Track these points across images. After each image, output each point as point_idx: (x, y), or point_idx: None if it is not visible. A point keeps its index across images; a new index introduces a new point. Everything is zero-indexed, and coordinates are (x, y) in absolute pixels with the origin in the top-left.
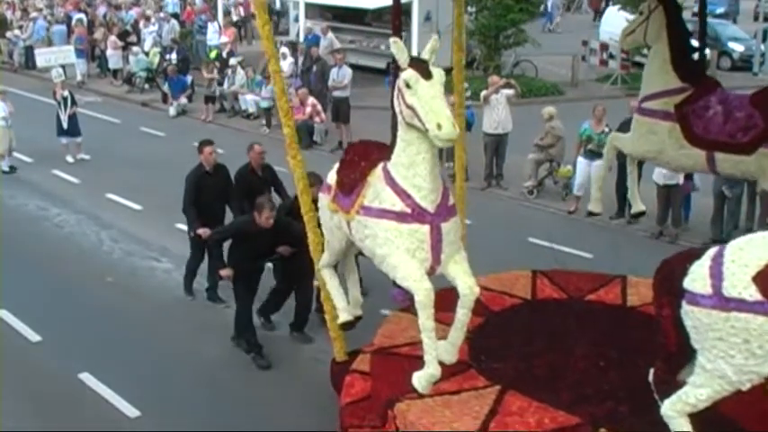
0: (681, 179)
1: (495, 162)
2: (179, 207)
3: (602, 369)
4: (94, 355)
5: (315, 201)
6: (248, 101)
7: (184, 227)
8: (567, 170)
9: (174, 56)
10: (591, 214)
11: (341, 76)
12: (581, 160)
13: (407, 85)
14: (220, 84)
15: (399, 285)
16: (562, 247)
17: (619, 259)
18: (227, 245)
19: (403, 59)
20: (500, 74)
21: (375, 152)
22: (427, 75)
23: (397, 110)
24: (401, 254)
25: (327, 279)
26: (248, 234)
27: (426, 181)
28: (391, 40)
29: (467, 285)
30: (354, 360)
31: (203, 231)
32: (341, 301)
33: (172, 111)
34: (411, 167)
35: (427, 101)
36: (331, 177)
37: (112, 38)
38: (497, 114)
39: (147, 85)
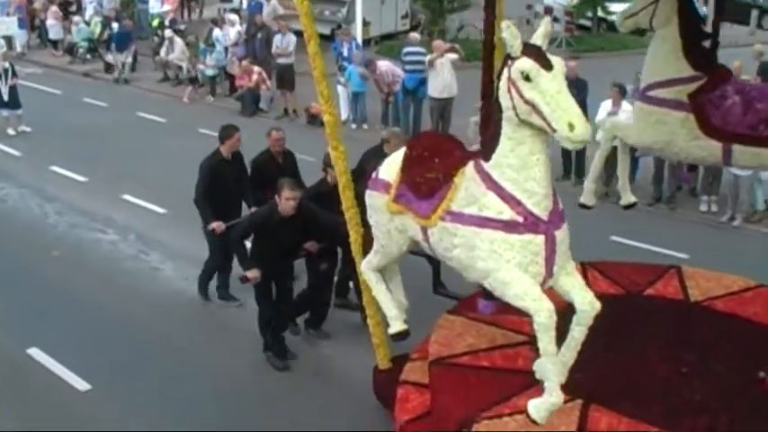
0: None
1: (442, 126)
2: (124, 178)
3: (686, 376)
4: (42, 330)
5: (335, 187)
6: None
7: (131, 198)
8: None
9: (115, 25)
10: (583, 207)
11: (285, 42)
12: None
13: (527, 78)
14: (157, 53)
15: (490, 296)
16: None
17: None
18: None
19: (516, 46)
20: (444, 38)
21: (445, 145)
22: (548, 65)
23: (504, 105)
24: (512, 269)
25: (374, 284)
26: (270, 226)
27: (541, 185)
28: (503, 23)
29: (586, 300)
30: (401, 368)
31: (217, 225)
32: (392, 309)
33: (116, 73)
34: (523, 170)
35: (553, 96)
36: (387, 173)
37: (53, 8)
38: (443, 79)
39: (88, 56)
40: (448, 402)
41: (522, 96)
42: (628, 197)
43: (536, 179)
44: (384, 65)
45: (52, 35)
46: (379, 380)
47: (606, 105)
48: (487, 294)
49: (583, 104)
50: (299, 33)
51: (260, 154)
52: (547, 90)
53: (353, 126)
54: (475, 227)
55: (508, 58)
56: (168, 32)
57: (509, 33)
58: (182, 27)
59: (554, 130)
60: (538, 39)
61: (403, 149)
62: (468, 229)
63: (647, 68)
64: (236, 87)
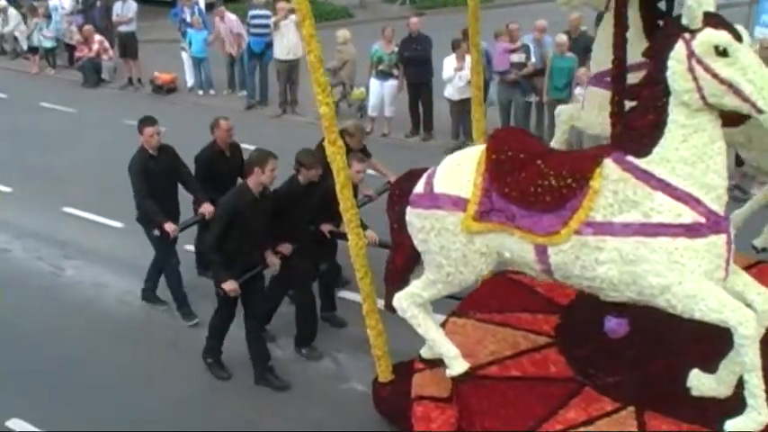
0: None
1: (289, 88)
2: None
3: None
4: None
5: (310, 184)
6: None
7: None
8: (361, 92)
9: None
10: None
11: (125, 10)
12: (373, 81)
13: (723, 53)
14: None
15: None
16: None
17: None
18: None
19: (699, 16)
20: None
21: (534, 143)
22: (738, 36)
23: (680, 87)
24: (699, 279)
25: (422, 320)
26: (241, 211)
27: (723, 177)
28: None
29: (766, 299)
30: (406, 380)
31: (173, 229)
32: (450, 348)
33: None
34: (700, 162)
35: (756, 72)
36: (450, 185)
37: None
38: (288, 40)
39: None
40: (491, 423)
41: (715, 75)
42: None
43: (717, 171)
44: (234, 18)
45: None
46: (382, 394)
47: (450, 61)
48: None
49: (427, 61)
50: (139, 0)
51: (204, 149)
52: (749, 65)
53: (200, 92)
54: (640, 236)
55: (680, 30)
56: (2, 3)
57: (695, 1)
58: None
59: (760, 111)
60: (711, 4)
61: (471, 153)
62: (627, 240)
63: (601, 53)
64: (77, 58)
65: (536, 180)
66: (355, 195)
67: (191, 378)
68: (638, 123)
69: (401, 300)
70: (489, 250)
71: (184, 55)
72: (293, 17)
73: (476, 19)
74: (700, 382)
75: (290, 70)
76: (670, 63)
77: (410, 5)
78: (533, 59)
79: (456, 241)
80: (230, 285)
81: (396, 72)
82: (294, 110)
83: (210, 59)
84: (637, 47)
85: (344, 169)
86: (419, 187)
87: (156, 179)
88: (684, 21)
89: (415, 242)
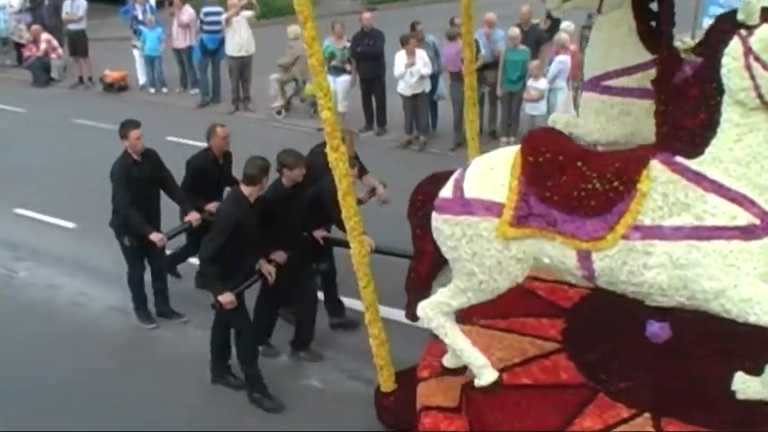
0: (426, 88)
1: (242, 85)
2: None
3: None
4: None
5: (295, 186)
6: None
7: None
8: (313, 88)
9: None
10: None
11: (75, 8)
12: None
13: None
14: None
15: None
16: None
17: (370, 169)
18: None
19: (758, 11)
20: None
21: (569, 144)
22: None
23: (735, 85)
24: (754, 282)
25: (450, 330)
26: (240, 220)
27: None
28: None
29: None
30: (409, 389)
31: (156, 237)
32: (479, 357)
33: None
34: (754, 162)
35: None
36: (482, 189)
37: None
38: (240, 37)
39: None
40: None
41: None
42: None
43: None
44: (191, 11)
45: None
46: (386, 404)
47: (400, 57)
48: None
49: (379, 56)
50: None
51: (198, 154)
52: None
53: (152, 90)
54: (693, 240)
55: (735, 26)
56: None
57: None
58: None
59: None
60: None
61: (504, 155)
62: (678, 244)
63: (596, 57)
64: (26, 57)
65: (579, 183)
66: None
67: (147, 378)
68: (688, 123)
69: (426, 309)
70: (526, 256)
71: (136, 53)
72: (245, 13)
73: (469, 17)
74: (745, 385)
75: (243, 67)
76: (725, 60)
77: (361, 1)
78: (482, 52)
79: (490, 248)
80: (227, 297)
81: (348, 67)
82: (247, 107)
83: (163, 57)
84: (632, 49)
85: (347, 176)
86: (447, 192)
87: (139, 185)
88: (740, 16)
89: (443, 249)
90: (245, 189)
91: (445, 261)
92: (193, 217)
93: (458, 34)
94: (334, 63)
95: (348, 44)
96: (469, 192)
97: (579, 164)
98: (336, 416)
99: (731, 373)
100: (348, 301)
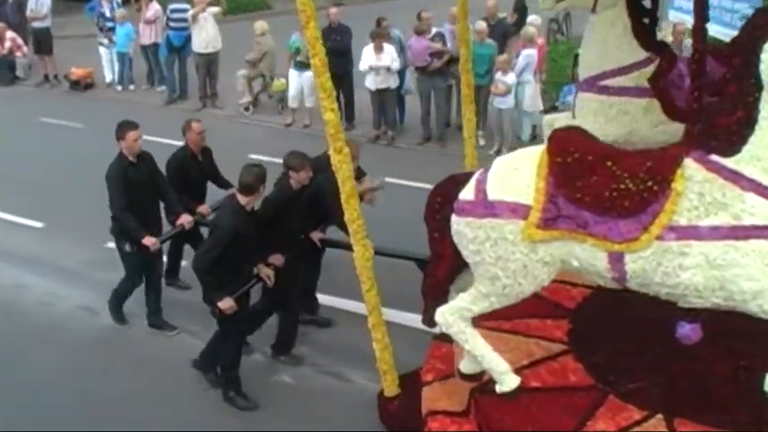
0: (393, 83)
1: (209, 82)
2: None
3: (751, 371)
4: None
5: (303, 188)
6: None
7: None
8: (281, 83)
9: None
10: None
11: (39, 5)
12: (292, 72)
13: None
14: None
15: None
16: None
17: None
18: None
19: None
20: None
21: (595, 144)
22: None
23: None
24: None
25: (470, 335)
26: (240, 228)
27: None
28: None
29: None
30: (414, 393)
31: (149, 241)
32: (501, 363)
33: None
34: None
35: None
36: (507, 191)
37: None
38: (206, 33)
39: None
40: None
41: None
42: None
43: None
44: (158, 8)
45: None
46: (390, 409)
47: (368, 51)
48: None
49: (346, 51)
50: None
51: (176, 153)
52: None
53: (119, 88)
54: (730, 240)
55: None
56: None
57: None
58: None
59: None
60: None
61: (529, 156)
62: (716, 244)
63: (591, 56)
64: None
65: (610, 184)
66: None
67: (117, 376)
68: (725, 121)
69: (445, 314)
70: (553, 259)
71: (102, 50)
72: (211, 9)
73: (465, 14)
74: None
75: (210, 63)
76: (764, 57)
77: None
78: (449, 45)
79: (515, 251)
80: (227, 303)
81: None
82: (214, 103)
83: (131, 54)
84: (628, 47)
85: (350, 179)
86: (468, 194)
87: (136, 188)
88: None
89: (465, 253)
90: (242, 198)
91: (464, 265)
92: (186, 220)
93: (425, 29)
94: (299, 58)
95: None
96: (493, 194)
97: (609, 164)
98: (311, 413)
99: (739, 372)
100: (332, 300)
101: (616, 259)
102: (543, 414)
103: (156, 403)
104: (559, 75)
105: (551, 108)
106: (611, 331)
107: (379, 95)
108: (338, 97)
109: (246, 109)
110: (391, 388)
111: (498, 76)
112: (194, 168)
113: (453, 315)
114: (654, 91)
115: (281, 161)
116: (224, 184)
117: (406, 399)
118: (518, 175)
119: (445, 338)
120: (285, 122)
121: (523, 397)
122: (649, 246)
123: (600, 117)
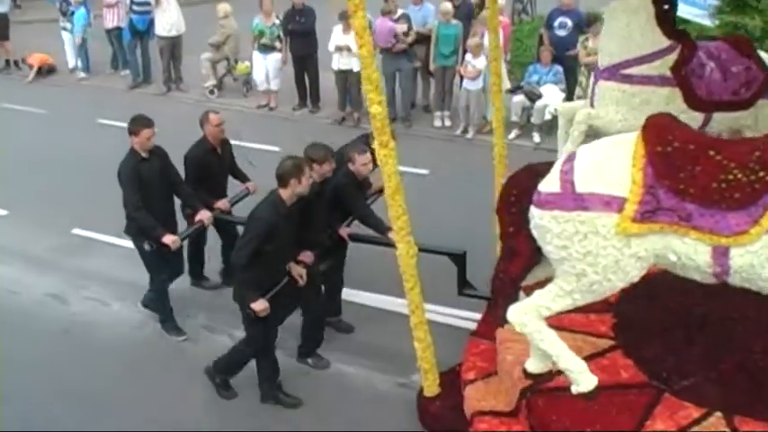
0: (356, 66)
1: (173, 65)
2: None
3: None
4: None
5: (323, 182)
6: None
7: None
8: (246, 66)
9: None
10: None
11: None
12: (256, 55)
13: None
14: None
15: None
16: (251, 144)
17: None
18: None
19: None
20: None
21: (692, 131)
22: None
23: None
24: None
25: (545, 335)
26: (277, 226)
27: None
28: None
29: None
30: (454, 393)
31: (170, 239)
32: (578, 362)
33: None
34: None
35: None
36: (597, 183)
37: None
38: (170, 16)
39: None
40: None
41: None
42: None
43: None
44: None
45: None
46: (431, 410)
47: (337, 31)
48: None
49: (311, 33)
50: None
51: (194, 146)
52: None
53: (82, 74)
54: None
55: None
56: None
57: None
58: None
59: None
60: None
61: (622, 144)
62: None
63: (614, 44)
64: None
65: (717, 174)
66: (367, 189)
67: (85, 366)
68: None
69: (520, 313)
70: (648, 254)
71: (65, 35)
72: None
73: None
74: None
75: (173, 47)
76: None
77: None
78: (414, 27)
79: (607, 245)
80: (261, 305)
81: (278, 45)
82: (179, 87)
83: (92, 39)
84: (651, 35)
85: (396, 174)
86: (553, 186)
87: (149, 184)
88: None
89: (548, 248)
90: (282, 192)
91: (539, 262)
92: (205, 216)
93: (391, 10)
94: (263, 41)
95: (278, 21)
96: (582, 185)
97: (712, 153)
98: (341, 413)
99: None
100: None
101: (721, 253)
102: (600, 414)
103: (126, 394)
104: (524, 55)
105: (516, 88)
106: (657, 324)
107: (343, 76)
108: (303, 79)
109: (211, 92)
110: (432, 388)
111: (469, 58)
112: (215, 163)
113: (529, 314)
114: (676, 79)
115: (244, 144)
116: (243, 177)
117: (446, 398)
118: (610, 165)
119: (483, 335)
120: (250, 105)
121: (576, 397)
122: (759, 239)
123: (623, 107)
